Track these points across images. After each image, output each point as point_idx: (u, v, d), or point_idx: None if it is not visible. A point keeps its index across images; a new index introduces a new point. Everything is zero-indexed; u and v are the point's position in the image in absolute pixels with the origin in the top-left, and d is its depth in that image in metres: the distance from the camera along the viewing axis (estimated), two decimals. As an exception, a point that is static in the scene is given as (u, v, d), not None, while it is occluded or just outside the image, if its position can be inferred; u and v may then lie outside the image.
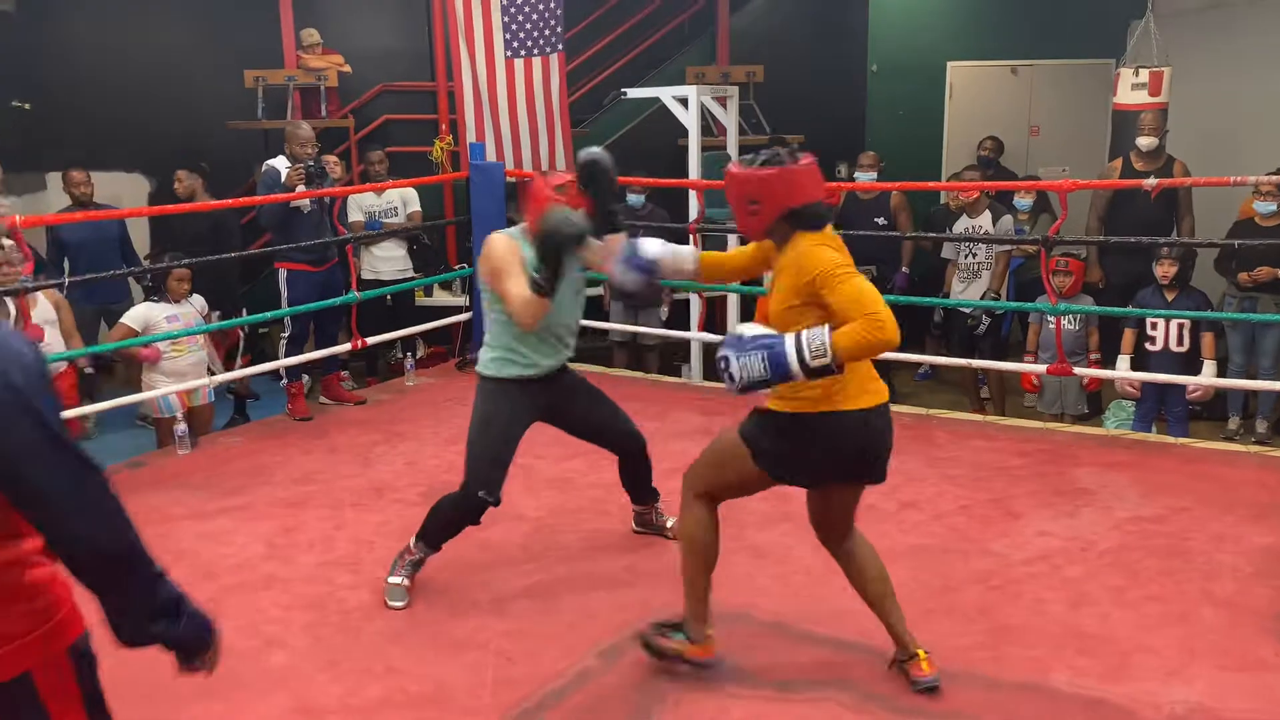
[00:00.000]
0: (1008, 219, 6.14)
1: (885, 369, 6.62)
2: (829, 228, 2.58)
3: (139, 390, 5.22)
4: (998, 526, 3.75)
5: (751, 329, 2.45)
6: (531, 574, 3.49)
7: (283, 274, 5.39)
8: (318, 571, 3.54)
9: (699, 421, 5.06)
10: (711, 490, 2.77)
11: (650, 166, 6.73)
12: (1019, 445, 4.61)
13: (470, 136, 6.99)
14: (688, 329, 6.55)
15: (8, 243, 4.98)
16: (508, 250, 3.18)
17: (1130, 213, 5.88)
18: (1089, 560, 3.47)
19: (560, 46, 7.05)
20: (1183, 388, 5.23)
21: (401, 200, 6.65)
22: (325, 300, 5.35)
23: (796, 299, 2.48)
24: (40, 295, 4.82)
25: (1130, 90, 6.12)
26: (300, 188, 5.18)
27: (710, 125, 7.66)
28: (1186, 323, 5.28)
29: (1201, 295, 5.43)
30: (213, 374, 5.42)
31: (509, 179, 6.32)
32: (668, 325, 6.68)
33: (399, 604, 3.26)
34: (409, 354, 6.52)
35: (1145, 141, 5.86)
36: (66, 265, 6.34)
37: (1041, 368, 5.27)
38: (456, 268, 7.13)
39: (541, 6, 6.92)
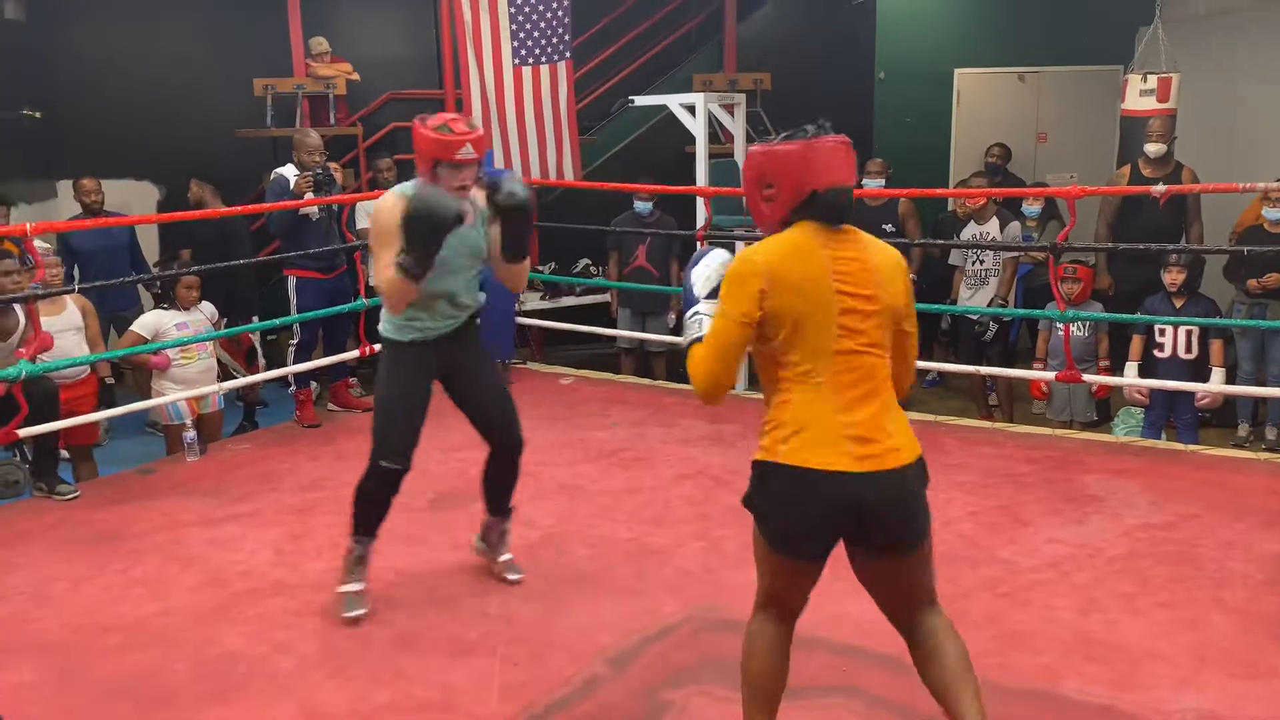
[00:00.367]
0: (1015, 226, 6.13)
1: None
2: (847, 228, 2.15)
3: (149, 397, 5.23)
4: (1006, 533, 3.74)
5: (708, 260, 2.25)
6: (539, 580, 3.49)
7: (291, 281, 5.41)
8: (326, 578, 3.54)
9: (707, 429, 5.06)
10: (764, 592, 2.26)
11: (657, 174, 6.74)
12: (1027, 452, 4.60)
13: (478, 144, 7.00)
14: (695, 336, 6.55)
15: (42, 245, 5.02)
16: (392, 214, 2.94)
17: (1139, 219, 5.87)
18: (1098, 567, 3.46)
19: (568, 54, 7.07)
20: (1192, 394, 5.21)
21: (409, 207, 6.65)
22: (334, 307, 5.37)
23: None
24: (69, 301, 4.86)
25: (1138, 96, 6.10)
26: (308, 195, 5.21)
27: (718, 133, 7.67)
28: (1195, 329, 5.26)
29: (1210, 302, 5.41)
30: (233, 377, 5.43)
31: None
32: (675, 331, 6.68)
33: (357, 612, 3.15)
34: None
35: (1153, 148, 5.84)
36: (76, 272, 6.37)
37: (1050, 375, 5.26)
38: (464, 275, 7.13)
39: (549, 14, 6.95)
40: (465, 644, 3.08)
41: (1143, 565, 3.46)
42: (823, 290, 2.07)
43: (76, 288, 4.71)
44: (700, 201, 6.37)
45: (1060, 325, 5.37)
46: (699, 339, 2.15)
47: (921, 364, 6.16)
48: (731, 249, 7.05)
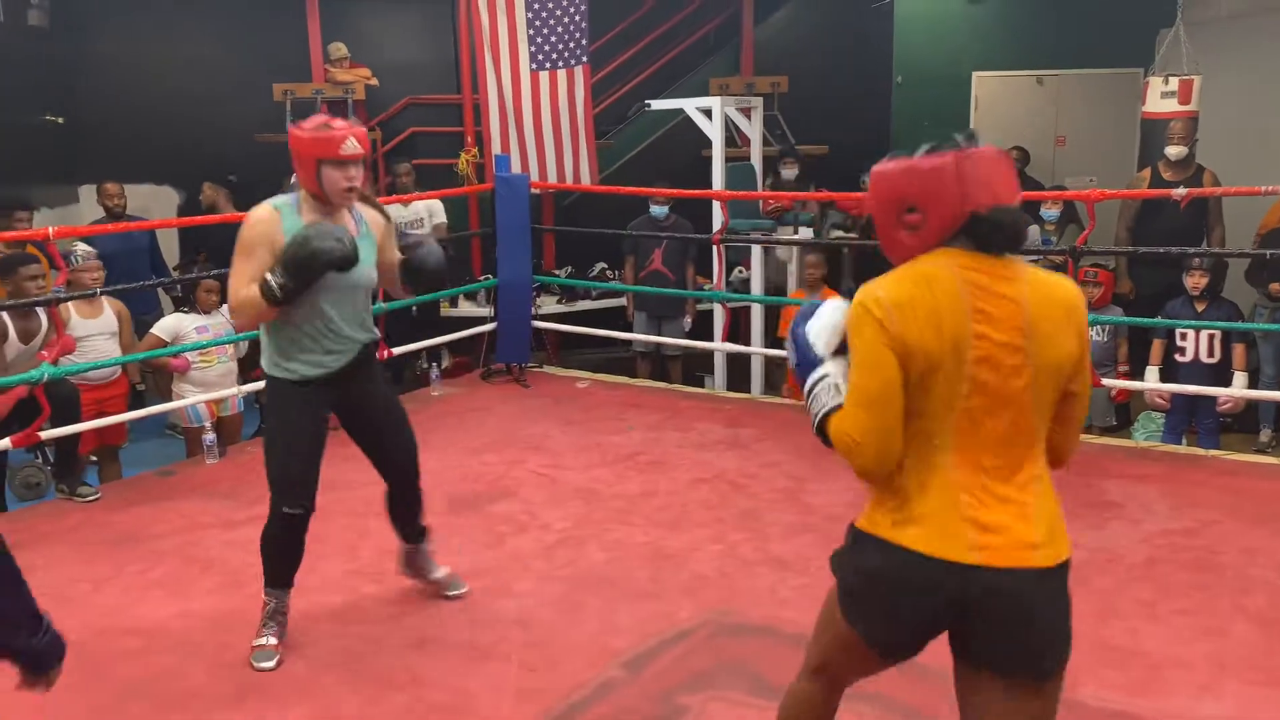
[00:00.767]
0: (1034, 229, 6.10)
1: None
2: (1009, 259, 1.73)
3: (169, 400, 5.28)
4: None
5: (826, 314, 1.86)
6: (555, 584, 3.49)
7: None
8: (341, 580, 3.56)
9: (723, 433, 5.05)
10: (820, 662, 1.97)
11: (674, 178, 6.74)
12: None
13: (495, 149, 7.04)
14: (711, 339, 6.55)
15: (81, 248, 5.07)
16: (261, 227, 2.78)
17: (1159, 223, 5.83)
18: (1117, 573, 3.43)
19: (585, 59, 7.09)
20: (1213, 399, 5.17)
21: (428, 212, 6.69)
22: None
23: None
24: (106, 305, 4.91)
25: (1159, 99, 6.06)
26: None
27: (734, 136, 7.67)
28: (1217, 334, 5.22)
29: (1232, 306, 5.37)
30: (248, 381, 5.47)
31: (533, 190, 6.36)
32: (691, 336, 6.68)
33: (267, 665, 2.96)
34: (434, 364, 6.55)
35: (1175, 150, 5.80)
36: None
37: (1069, 379, 5.22)
38: (482, 279, 7.16)
39: (566, 19, 6.97)
40: (481, 648, 3.08)
41: (1163, 571, 3.43)
42: (957, 333, 1.67)
43: (99, 291, 4.75)
44: (716, 205, 6.37)
45: (1079, 329, 5.34)
46: (837, 407, 1.76)
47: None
48: (746, 252, 7.08)
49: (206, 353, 5.20)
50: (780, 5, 8.90)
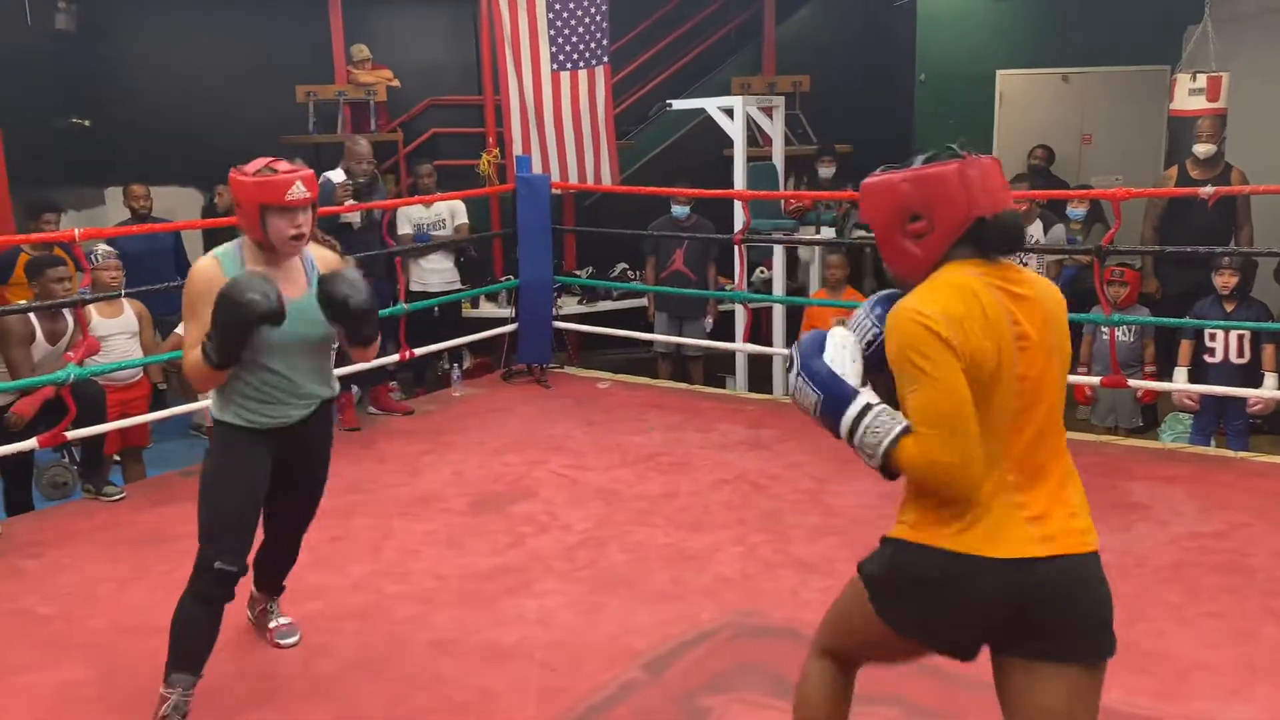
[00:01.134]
0: (1059, 228, 6.05)
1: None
2: (1005, 261, 1.78)
3: (194, 400, 5.31)
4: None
5: (841, 344, 1.84)
6: (577, 585, 3.49)
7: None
8: (365, 580, 3.57)
9: (745, 434, 5.04)
10: (835, 647, 2.01)
11: (695, 177, 6.73)
12: (1071, 457, 4.52)
13: (517, 149, 7.06)
14: (732, 340, 6.53)
15: (101, 248, 5.13)
16: (204, 282, 2.58)
17: (1186, 221, 5.76)
18: (1144, 576, 3.39)
19: (606, 59, 7.09)
20: (1242, 400, 5.10)
21: (449, 213, 6.71)
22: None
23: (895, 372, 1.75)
24: (126, 305, 4.95)
25: (1187, 96, 6.00)
26: (348, 204, 5.27)
27: (756, 136, 7.65)
28: (1246, 334, 5.15)
29: (1262, 306, 5.29)
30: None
31: (554, 191, 6.36)
32: (712, 336, 6.66)
33: None
34: (455, 365, 6.57)
35: (1203, 148, 5.74)
36: (123, 276, 6.48)
37: (1094, 379, 5.18)
38: (503, 279, 7.17)
39: (587, 19, 6.98)
40: (503, 648, 3.08)
41: (1191, 574, 3.39)
42: (1004, 338, 1.69)
43: (124, 292, 4.79)
44: (738, 205, 6.35)
45: (1105, 329, 5.29)
46: (905, 431, 1.71)
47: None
48: (769, 252, 7.06)
49: (230, 353, 5.22)
50: (802, 4, 8.87)
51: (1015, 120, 8.01)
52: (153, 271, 6.36)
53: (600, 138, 7.21)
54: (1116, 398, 5.71)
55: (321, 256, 2.82)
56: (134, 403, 4.95)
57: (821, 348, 1.85)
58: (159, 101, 8.12)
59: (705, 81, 8.42)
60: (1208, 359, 5.27)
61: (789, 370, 1.90)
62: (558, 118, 7.09)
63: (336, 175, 5.40)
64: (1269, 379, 5.08)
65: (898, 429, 1.71)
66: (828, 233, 6.63)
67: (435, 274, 6.72)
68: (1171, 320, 5.29)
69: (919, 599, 1.78)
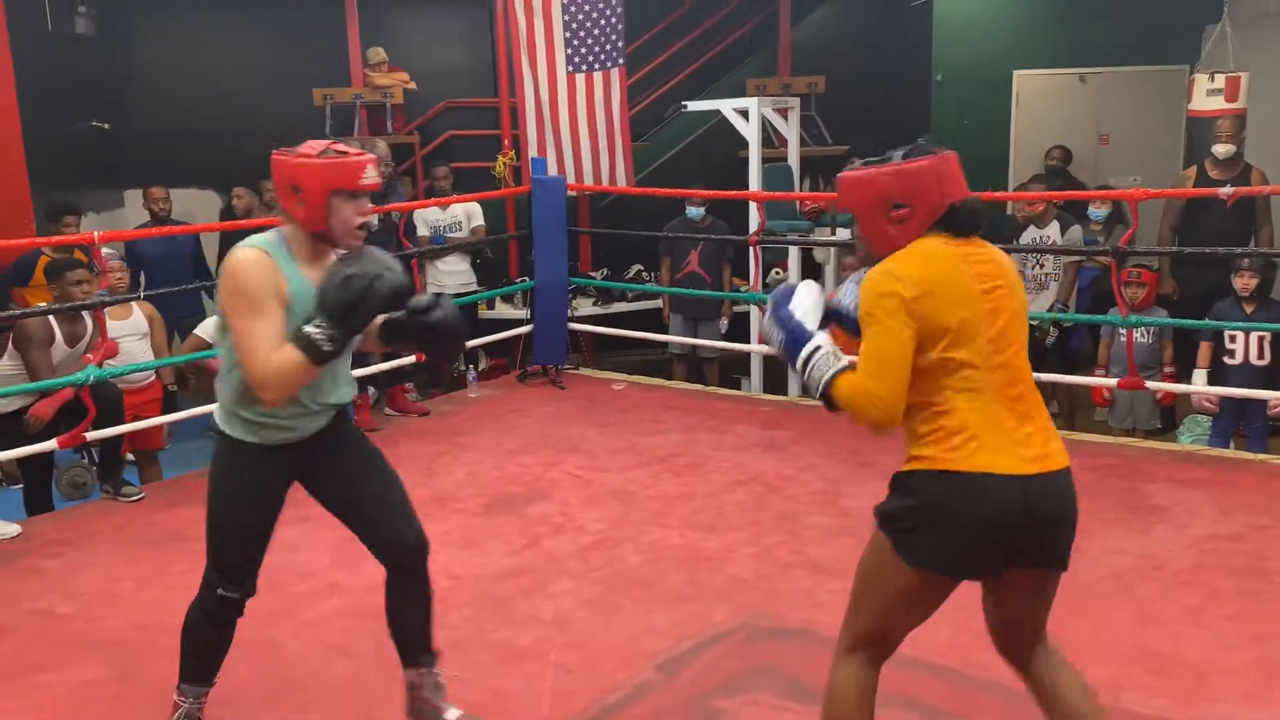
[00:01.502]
0: (1076, 230, 6.02)
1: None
2: (974, 237, 2.08)
3: (211, 400, 5.34)
4: (1067, 543, 3.66)
5: (805, 295, 2.13)
6: (591, 586, 3.49)
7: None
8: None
9: (760, 435, 5.03)
10: (869, 628, 2.11)
11: (710, 179, 6.73)
12: (1089, 460, 4.50)
13: (532, 151, 7.07)
14: (747, 341, 6.53)
15: (104, 250, 5.16)
16: (262, 274, 2.25)
17: (1205, 222, 5.72)
18: (1162, 579, 3.37)
19: (621, 61, 7.10)
20: (1263, 403, 5.06)
21: (465, 215, 6.74)
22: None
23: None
24: (135, 307, 4.99)
25: (1206, 96, 5.96)
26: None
27: (771, 137, 7.64)
28: (1267, 336, 5.11)
29: (1282, 306, 5.25)
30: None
31: (569, 192, 6.37)
32: (727, 337, 6.66)
33: None
34: (471, 366, 6.58)
35: (1222, 149, 5.70)
36: (143, 279, 6.53)
37: (1112, 381, 5.15)
38: (518, 281, 7.19)
39: (603, 21, 6.98)
40: (517, 649, 3.09)
41: (1209, 577, 3.37)
42: (973, 295, 2.00)
43: (142, 294, 4.82)
44: (753, 206, 6.35)
45: (1123, 331, 5.26)
46: (843, 369, 2.00)
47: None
48: (784, 254, 7.04)
49: (248, 355, 5.25)
50: (817, 5, 8.85)
51: (1032, 121, 7.97)
52: (172, 274, 6.42)
53: (615, 139, 7.22)
54: (1135, 399, 5.67)
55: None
56: (146, 405, 4.99)
57: (790, 297, 2.13)
58: (177, 105, 8.18)
59: (720, 83, 8.42)
60: (1227, 361, 5.23)
61: (764, 316, 2.16)
62: (573, 120, 7.10)
63: (353, 178, 5.42)
64: (1289, 381, 5.05)
65: (839, 365, 2.01)
66: (843, 234, 6.61)
67: (451, 275, 6.75)
68: (1190, 322, 5.25)
69: (941, 523, 1.97)
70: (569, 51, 7.00)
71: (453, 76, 8.54)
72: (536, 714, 2.76)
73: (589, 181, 7.21)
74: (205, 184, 8.27)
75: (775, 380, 6.80)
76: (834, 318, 2.21)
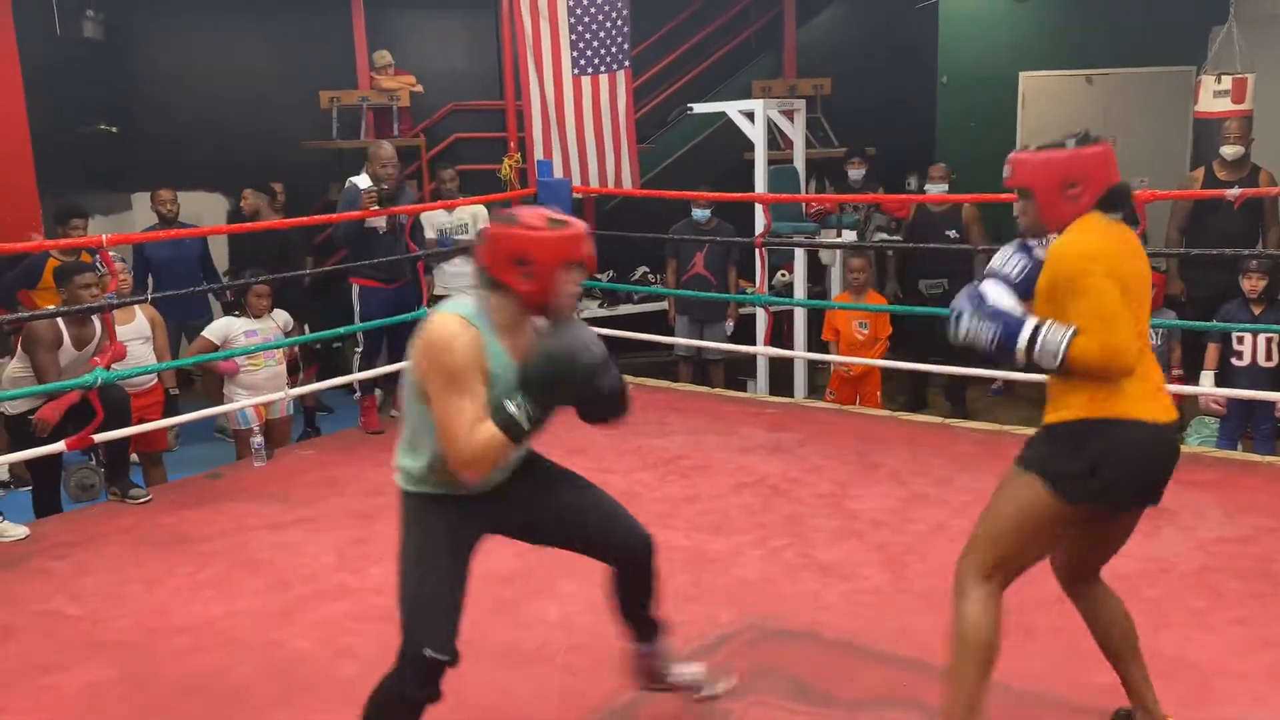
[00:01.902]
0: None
1: (958, 384, 6.55)
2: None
3: (221, 403, 5.37)
4: (1073, 546, 3.66)
5: (996, 291, 2.32)
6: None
7: (356, 290, 5.51)
8: (388, 582, 3.56)
9: (765, 437, 5.03)
10: (1004, 558, 2.33)
11: (716, 181, 6.73)
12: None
13: (538, 154, 7.08)
14: (753, 343, 6.52)
15: (112, 252, 5.17)
16: (470, 350, 2.20)
17: (1213, 224, 5.71)
18: (1169, 582, 3.36)
19: (627, 63, 7.11)
20: (1270, 404, 5.05)
21: (472, 217, 6.74)
22: (398, 316, 5.45)
23: (1046, 299, 2.28)
24: (138, 311, 5.00)
25: (1212, 98, 5.95)
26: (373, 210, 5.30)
27: (777, 139, 7.64)
28: (1275, 337, 5.10)
29: (1290, 308, 5.24)
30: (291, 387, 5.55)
31: (575, 195, 6.37)
32: (733, 339, 6.66)
33: None
34: (477, 368, 6.59)
35: (1230, 150, 5.68)
36: (150, 281, 6.56)
37: (1119, 383, 5.13)
38: (524, 283, 7.19)
39: (609, 24, 6.99)
40: (524, 652, 3.09)
41: (1216, 580, 3.36)
42: (1130, 262, 2.28)
43: (149, 297, 4.84)
44: (759, 208, 6.35)
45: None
46: (1075, 332, 2.20)
47: (987, 372, 6.06)
48: (789, 255, 7.04)
49: (254, 356, 5.28)
50: (823, 7, 8.86)
51: (1038, 122, 7.96)
52: (180, 276, 6.44)
53: (621, 142, 7.22)
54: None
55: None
56: (149, 408, 5.00)
57: (983, 296, 2.33)
58: (185, 108, 8.21)
59: (726, 85, 8.43)
60: (1235, 362, 5.22)
61: (955, 323, 2.34)
62: (579, 122, 7.11)
63: (362, 181, 5.43)
64: (1297, 382, 5.04)
65: (1071, 331, 2.20)
66: (849, 236, 6.62)
67: (458, 278, 6.75)
68: (1198, 323, 5.24)
69: (1108, 465, 2.23)
70: (574, 54, 7.01)
71: (459, 79, 8.56)
72: (543, 716, 2.76)
73: (595, 184, 7.22)
74: (213, 187, 8.30)
75: (781, 382, 6.80)
76: (1020, 295, 2.36)
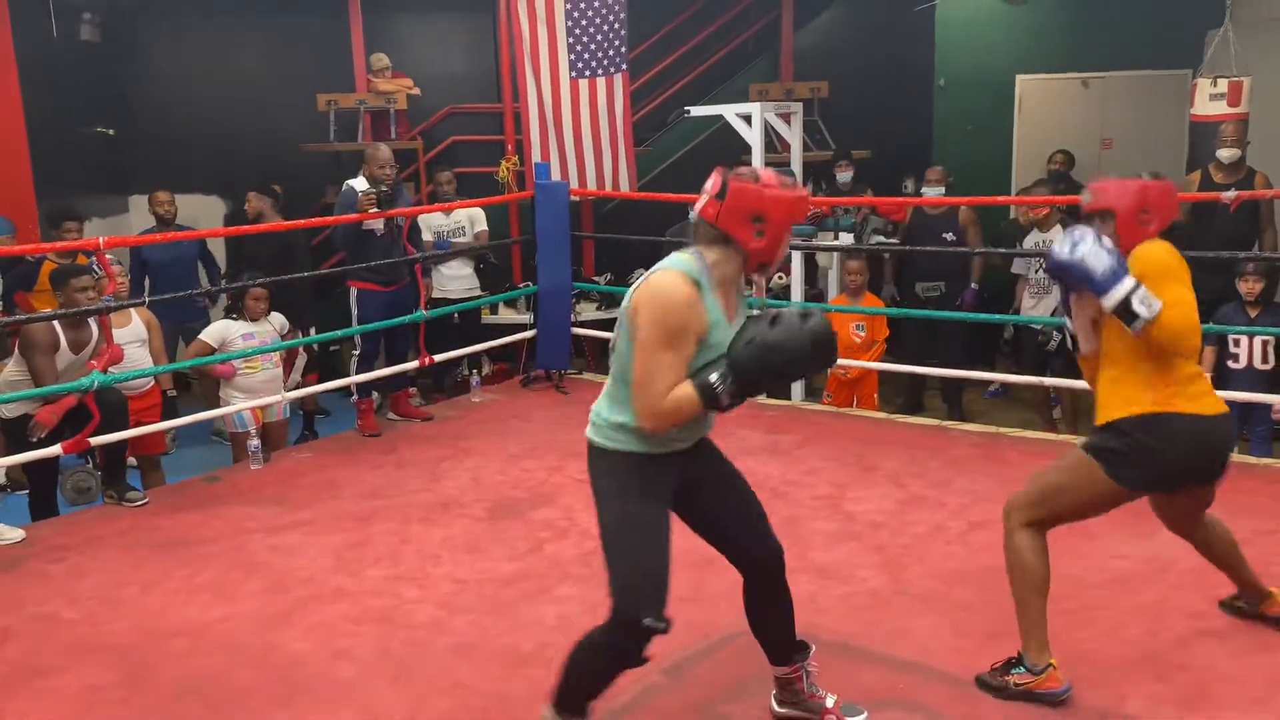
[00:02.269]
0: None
1: (955, 387, 6.56)
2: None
3: (218, 406, 5.36)
4: (1072, 548, 3.65)
5: (1104, 244, 2.60)
6: (596, 590, 3.48)
7: (354, 293, 5.51)
8: (385, 585, 3.59)
9: (763, 440, 5.03)
10: (1048, 516, 2.75)
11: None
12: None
13: (535, 156, 7.08)
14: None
15: (109, 256, 5.16)
16: (690, 310, 2.22)
17: (1209, 227, 5.72)
18: (1167, 583, 3.37)
19: (624, 66, 7.11)
20: (1267, 407, 5.06)
21: (469, 220, 6.75)
22: (395, 319, 5.45)
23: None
24: (134, 314, 4.98)
25: (1208, 101, 5.96)
26: (372, 212, 5.29)
27: (774, 142, 7.64)
28: (1271, 340, 5.11)
29: (1286, 311, 5.26)
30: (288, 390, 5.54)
31: (573, 198, 6.37)
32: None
33: None
34: (474, 371, 6.59)
35: (1226, 153, 5.69)
36: (147, 283, 6.55)
37: (1116, 385, 5.15)
38: (522, 285, 7.20)
39: (606, 27, 7.00)
40: (522, 654, 3.09)
41: (1214, 582, 3.35)
42: (1187, 281, 2.66)
43: (146, 300, 4.83)
44: (757, 211, 6.33)
45: (1127, 335, 5.26)
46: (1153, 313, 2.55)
47: (984, 375, 6.07)
48: (787, 259, 7.02)
49: (251, 359, 5.27)
50: (820, 10, 8.87)
51: (1035, 125, 7.97)
52: (177, 278, 6.44)
53: (619, 144, 7.23)
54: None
55: None
56: (147, 411, 4.99)
57: (1101, 238, 2.61)
58: (182, 110, 8.21)
59: (723, 88, 8.43)
60: (1231, 365, 5.23)
61: (1074, 245, 2.60)
62: (576, 125, 7.11)
63: (359, 184, 5.43)
64: (1294, 385, 5.06)
65: (1159, 303, 2.54)
66: (846, 238, 6.62)
67: (455, 280, 6.77)
68: (1195, 326, 5.24)
69: (1160, 455, 2.61)
70: (572, 57, 7.02)
71: (456, 82, 8.56)
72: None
73: (592, 186, 7.22)
74: (210, 189, 8.30)
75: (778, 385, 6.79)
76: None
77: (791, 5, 8.58)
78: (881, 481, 4.40)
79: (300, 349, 6.42)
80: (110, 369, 4.37)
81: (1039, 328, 5.99)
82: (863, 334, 6.08)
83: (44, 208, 6.07)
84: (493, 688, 2.91)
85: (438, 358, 5.74)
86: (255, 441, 4.94)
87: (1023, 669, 2.69)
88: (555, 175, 6.86)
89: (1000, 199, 6.90)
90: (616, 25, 7.00)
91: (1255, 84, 5.90)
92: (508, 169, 7.67)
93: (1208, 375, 5.12)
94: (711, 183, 2.33)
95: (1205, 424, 2.63)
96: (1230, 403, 5.03)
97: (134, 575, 3.72)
